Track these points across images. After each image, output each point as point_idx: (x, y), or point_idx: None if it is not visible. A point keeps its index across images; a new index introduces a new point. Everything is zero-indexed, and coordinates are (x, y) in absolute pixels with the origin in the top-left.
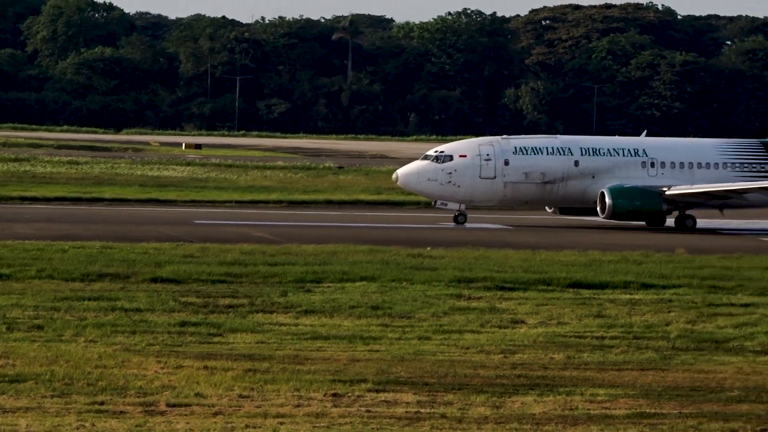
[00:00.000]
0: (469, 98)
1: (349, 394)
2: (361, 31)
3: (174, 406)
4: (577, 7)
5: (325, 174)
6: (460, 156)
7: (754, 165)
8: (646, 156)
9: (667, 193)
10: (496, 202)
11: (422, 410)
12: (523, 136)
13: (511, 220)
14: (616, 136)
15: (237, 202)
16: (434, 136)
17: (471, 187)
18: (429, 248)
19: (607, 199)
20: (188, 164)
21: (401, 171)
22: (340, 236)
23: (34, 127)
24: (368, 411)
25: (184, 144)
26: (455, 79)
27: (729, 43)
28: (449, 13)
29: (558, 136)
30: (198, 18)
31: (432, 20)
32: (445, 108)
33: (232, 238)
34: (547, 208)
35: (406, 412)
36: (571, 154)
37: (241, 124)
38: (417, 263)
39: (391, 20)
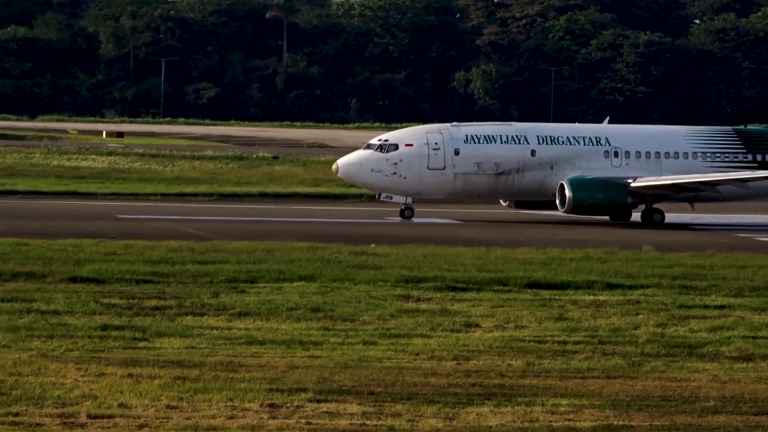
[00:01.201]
0: (416, 82)
1: (288, 405)
2: (297, 9)
3: (95, 417)
4: None
5: (258, 165)
6: (406, 145)
7: (726, 155)
8: (609, 145)
9: (632, 185)
10: (445, 195)
11: (368, 422)
12: (474, 123)
13: (462, 214)
14: (576, 124)
15: (163, 195)
16: (378, 124)
17: (418, 179)
18: (373, 245)
19: (567, 192)
20: (109, 154)
21: (342, 161)
22: (276, 232)
23: None
24: (308, 423)
25: (104, 132)
26: (400, 61)
27: (697, 21)
28: None
29: (513, 123)
30: None
31: None
32: (390, 93)
33: (158, 234)
34: (501, 201)
35: (351, 424)
36: (528, 143)
37: (167, 111)
38: (360, 261)
39: None
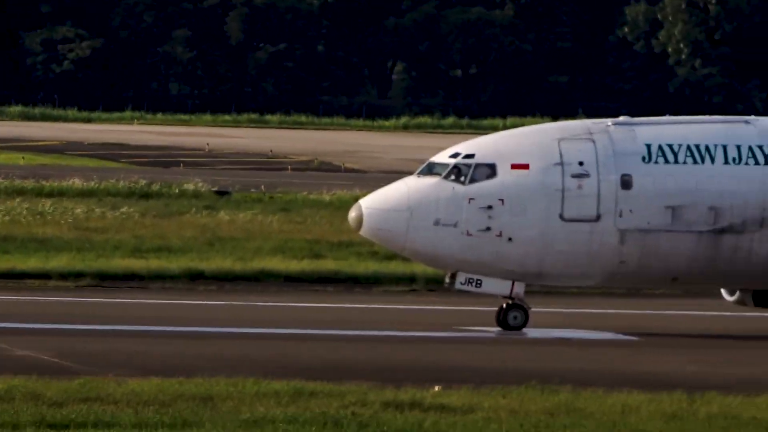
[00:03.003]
0: (535, 26)
1: None
2: None
3: None
4: None
5: (186, 210)
6: (515, 166)
7: None
8: None
9: None
10: (600, 278)
11: None
12: (665, 118)
13: (637, 320)
14: None
15: None
16: (450, 119)
17: (540, 242)
18: (438, 388)
19: None
20: None
21: (370, 203)
22: (225, 358)
23: None
24: None
25: None
26: None
27: None
28: None
29: (753, 118)
30: None
31: None
32: (478, 50)
33: None
34: (724, 292)
35: None
36: None
37: None
38: (411, 424)
39: None
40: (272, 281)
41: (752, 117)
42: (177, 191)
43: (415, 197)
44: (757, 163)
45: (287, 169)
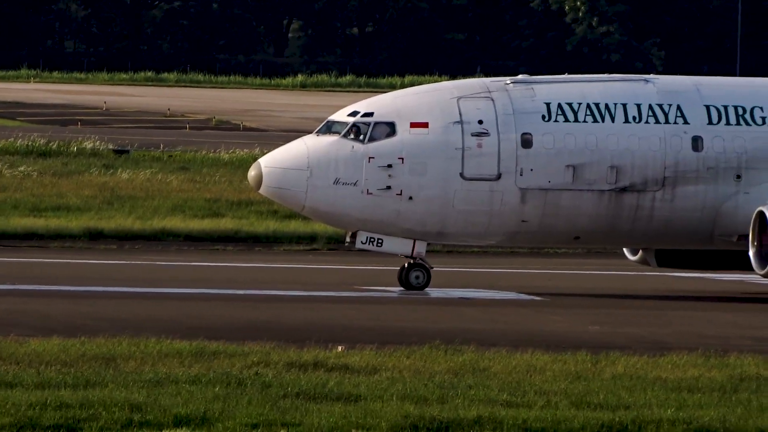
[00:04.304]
0: None
1: None
2: None
3: None
4: None
5: (84, 168)
6: (414, 125)
7: None
8: None
9: None
10: (502, 237)
11: None
12: (565, 77)
13: (539, 280)
14: None
15: None
16: (349, 76)
17: (441, 202)
18: (341, 348)
19: None
20: None
21: (269, 162)
22: (128, 317)
23: None
24: None
25: None
26: None
27: None
28: None
29: (653, 77)
30: None
31: None
32: (374, 7)
33: None
34: (626, 251)
35: None
36: (684, 122)
37: None
38: (313, 385)
39: None
40: (172, 240)
41: (651, 75)
42: (75, 150)
43: (315, 156)
44: (657, 121)
45: (185, 127)
